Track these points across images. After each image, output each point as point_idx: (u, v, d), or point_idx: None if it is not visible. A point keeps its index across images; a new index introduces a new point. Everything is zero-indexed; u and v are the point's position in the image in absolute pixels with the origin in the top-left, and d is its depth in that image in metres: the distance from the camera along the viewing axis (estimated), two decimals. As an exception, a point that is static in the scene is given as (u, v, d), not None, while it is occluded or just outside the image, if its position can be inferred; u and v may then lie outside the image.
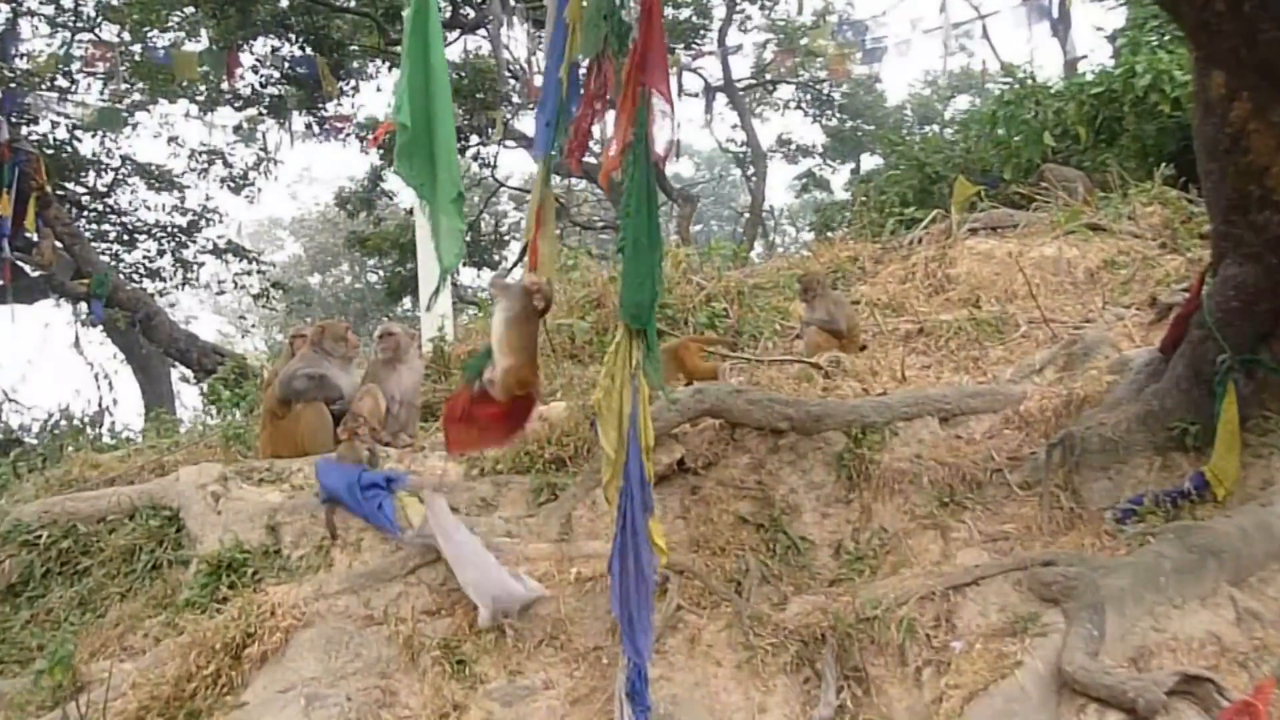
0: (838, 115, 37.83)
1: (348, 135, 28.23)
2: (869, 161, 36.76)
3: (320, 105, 27.61)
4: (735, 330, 11.75)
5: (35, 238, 21.54)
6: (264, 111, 27.77)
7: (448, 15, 27.10)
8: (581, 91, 6.92)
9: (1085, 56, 23.28)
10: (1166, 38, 16.30)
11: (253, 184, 28.95)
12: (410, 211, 28.39)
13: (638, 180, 5.97)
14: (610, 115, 6.76)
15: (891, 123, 36.88)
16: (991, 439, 8.51)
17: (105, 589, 8.47)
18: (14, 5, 24.04)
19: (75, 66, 24.78)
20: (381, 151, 27.33)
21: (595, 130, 7.02)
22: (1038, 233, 13.10)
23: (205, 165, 28.46)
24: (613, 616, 7.27)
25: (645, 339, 6.00)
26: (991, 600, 7.05)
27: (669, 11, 28.19)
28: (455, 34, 28.12)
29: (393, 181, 30.37)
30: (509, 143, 30.90)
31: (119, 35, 25.69)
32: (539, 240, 7.27)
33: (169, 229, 27.50)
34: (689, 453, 8.52)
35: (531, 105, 31.36)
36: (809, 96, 37.16)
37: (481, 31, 28.38)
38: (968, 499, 7.99)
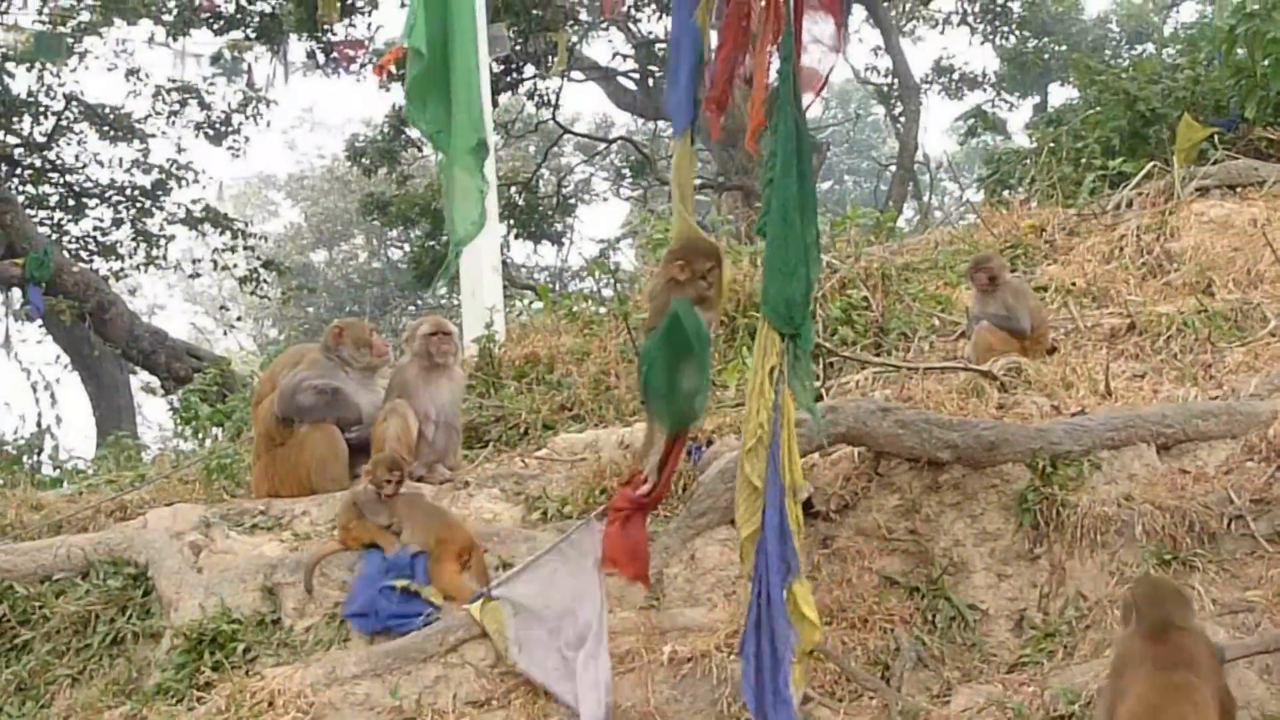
0: (1017, 33, 37.58)
1: (362, 67, 28.45)
2: (1059, 95, 36.44)
3: (326, 28, 27.85)
4: (879, 327, 11.75)
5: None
6: (252, 36, 28.10)
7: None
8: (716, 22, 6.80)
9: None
10: None
11: (238, 131, 29.35)
12: (446, 167, 28.56)
13: (784, 134, 5.95)
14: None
15: (1091, 42, 36.55)
16: (1229, 474, 8.43)
17: (51, 670, 8.66)
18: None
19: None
20: (406, 85, 27.50)
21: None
22: (1293, 193, 12.97)
23: (175, 107, 28.89)
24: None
25: (795, 345, 6.01)
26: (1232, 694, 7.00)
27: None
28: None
29: (422, 127, 30.52)
30: (576, 74, 31.00)
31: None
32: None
33: (128, 191, 27.95)
34: (818, 491, 8.55)
35: (604, 24, 31.53)
36: (978, 7, 36.95)
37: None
38: (1197, 556, 7.93)
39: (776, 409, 5.99)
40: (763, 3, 6.20)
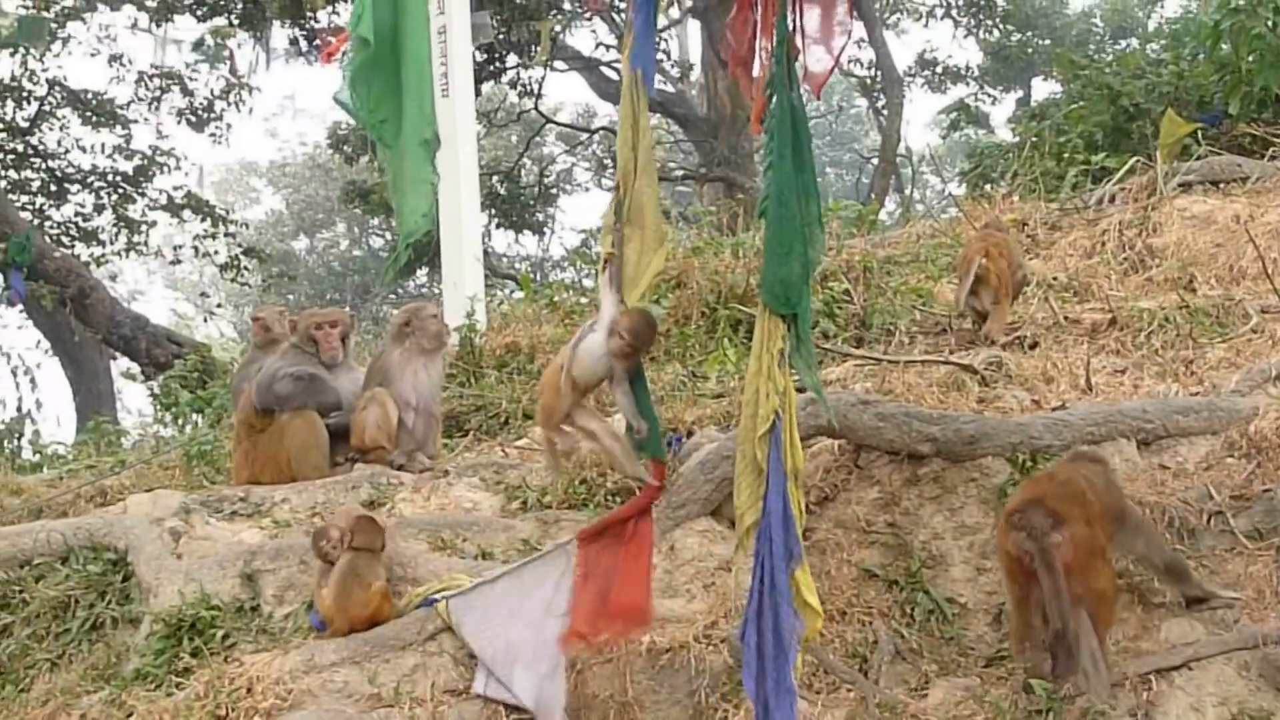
0: (1000, 26, 37.60)
1: (344, 55, 28.33)
2: (1042, 90, 36.54)
3: (309, 15, 27.80)
4: (861, 320, 11.76)
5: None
6: (235, 22, 28.05)
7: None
8: None
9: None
10: None
11: (219, 118, 29.27)
12: (428, 156, 28.57)
13: (780, 116, 5.93)
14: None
15: (1075, 37, 36.59)
16: (1209, 470, 8.45)
17: (30, 654, 8.63)
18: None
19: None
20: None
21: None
22: (1276, 189, 12.97)
23: (157, 93, 28.80)
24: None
25: (795, 326, 5.98)
26: (1208, 690, 7.01)
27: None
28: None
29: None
30: (559, 64, 30.95)
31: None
32: (636, 194, 6.81)
33: (110, 177, 27.87)
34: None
35: (587, 15, 31.49)
36: (962, 1, 36.96)
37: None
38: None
39: (780, 395, 5.95)
40: None
